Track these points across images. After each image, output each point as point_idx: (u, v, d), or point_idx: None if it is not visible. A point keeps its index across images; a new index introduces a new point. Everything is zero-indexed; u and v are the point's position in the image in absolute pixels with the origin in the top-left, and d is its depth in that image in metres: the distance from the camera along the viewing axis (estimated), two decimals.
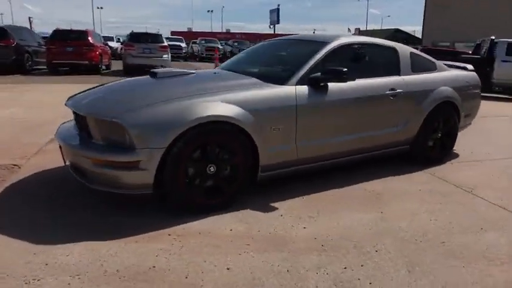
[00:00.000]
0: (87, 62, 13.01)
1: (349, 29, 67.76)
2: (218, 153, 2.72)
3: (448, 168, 3.92)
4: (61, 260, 2.13)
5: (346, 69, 2.98)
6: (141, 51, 13.16)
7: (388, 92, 3.49)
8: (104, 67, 14.35)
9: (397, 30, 72.49)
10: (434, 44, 23.37)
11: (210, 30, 70.44)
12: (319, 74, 3.08)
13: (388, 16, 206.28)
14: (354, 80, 3.18)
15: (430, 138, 3.91)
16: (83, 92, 3.39)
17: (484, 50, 10.54)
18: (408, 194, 3.20)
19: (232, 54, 28.41)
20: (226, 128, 2.69)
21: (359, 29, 64.88)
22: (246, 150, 2.79)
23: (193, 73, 3.31)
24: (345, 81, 3.01)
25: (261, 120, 2.80)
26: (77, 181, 2.77)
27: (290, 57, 3.51)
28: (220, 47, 27.72)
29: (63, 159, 2.94)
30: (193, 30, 68.70)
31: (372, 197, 3.11)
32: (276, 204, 2.92)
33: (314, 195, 3.13)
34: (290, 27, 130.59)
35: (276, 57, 3.63)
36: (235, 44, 29.07)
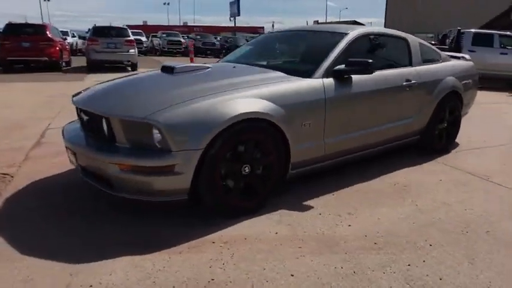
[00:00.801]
0: (46, 58, 12.11)
1: (307, 22, 68.60)
2: (253, 152, 2.56)
3: (454, 157, 4.00)
4: (106, 280, 1.90)
5: (371, 61, 2.91)
6: (105, 46, 12.46)
7: (404, 84, 3.48)
8: (64, 64, 13.47)
9: (355, 22, 74.59)
10: None
11: (167, 24, 68.58)
12: (343, 66, 2.99)
13: (346, 8, 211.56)
14: (374, 71, 3.13)
15: (438, 128, 3.96)
16: (88, 89, 3.10)
17: (450, 40, 10.99)
18: (432, 185, 3.21)
19: (196, 48, 27.93)
20: (262, 125, 2.54)
21: (317, 21, 65.90)
22: (279, 147, 2.66)
23: (210, 67, 3.10)
24: (370, 73, 2.95)
25: (293, 115, 2.68)
26: (90, 189, 2.52)
27: (308, 49, 3.39)
28: (182, 40, 27.03)
29: (77, 164, 2.64)
30: (149, 23, 66.60)
31: (400, 190, 3.09)
32: (309, 203, 2.82)
33: (342, 191, 3.05)
34: (249, 19, 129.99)
35: (292, 50, 3.50)
36: (198, 37, 28.44)
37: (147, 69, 14.83)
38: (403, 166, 3.66)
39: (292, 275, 1.97)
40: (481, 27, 14.29)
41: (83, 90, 3.10)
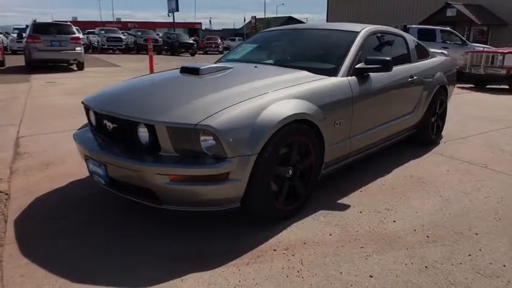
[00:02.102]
0: None
1: (244, 18, 68.83)
2: (295, 155, 2.51)
3: (446, 148, 4.26)
4: None
5: (390, 59, 2.99)
6: (49, 44, 11.46)
7: (409, 79, 3.62)
8: None
9: (290, 18, 76.35)
10: None
11: (99, 20, 64.90)
12: (363, 64, 3.04)
13: (283, 4, 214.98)
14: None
15: (430, 121, 4.19)
16: (101, 91, 2.84)
17: None
18: (443, 176, 3.40)
19: (136, 44, 26.70)
20: (304, 126, 2.49)
21: (255, 17, 66.43)
22: (317, 148, 2.64)
23: (231, 68, 2.98)
24: (390, 70, 3.03)
25: (328, 115, 2.67)
26: (111, 202, 2.30)
27: (323, 48, 3.38)
28: (123, 37, 25.78)
29: (107, 176, 2.39)
30: (79, 20, 62.57)
31: (418, 182, 3.23)
32: (342, 201, 2.85)
33: (367, 187, 3.12)
34: (185, 15, 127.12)
35: (304, 49, 3.46)
36: (139, 33, 27.27)
37: (96, 68, 14.00)
38: (406, 159, 3.82)
39: (371, 276, 1.97)
40: (420, 24, 15.40)
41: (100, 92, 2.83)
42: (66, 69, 12.79)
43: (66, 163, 3.65)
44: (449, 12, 15.95)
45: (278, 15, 79.02)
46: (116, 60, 18.22)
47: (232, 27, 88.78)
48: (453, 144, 4.42)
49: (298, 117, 2.41)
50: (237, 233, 2.37)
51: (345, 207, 2.75)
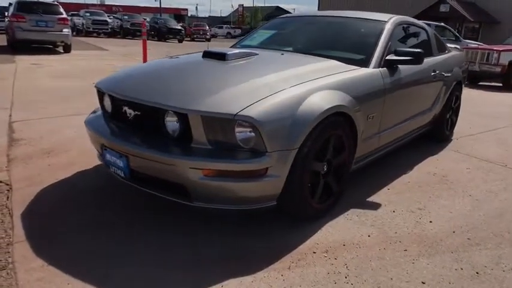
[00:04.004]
0: None
1: (232, 5, 67.94)
2: (331, 149, 2.35)
3: (460, 145, 4.18)
4: None
5: (422, 51, 2.85)
6: (34, 24, 10.87)
7: (432, 73, 3.50)
8: None
9: (278, 8, 75.77)
10: None
11: (82, 2, 62.86)
12: (393, 55, 2.89)
13: None
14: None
15: (446, 117, 4.10)
16: (118, 74, 2.62)
17: None
18: (465, 174, 3.31)
19: (122, 27, 25.85)
20: (341, 119, 2.33)
21: (242, 5, 65.61)
22: (350, 143, 2.49)
23: (257, 54, 2.78)
24: (421, 63, 2.89)
25: (362, 107, 2.52)
26: (128, 197, 2.10)
27: (350, 37, 3.20)
28: (109, 20, 24.92)
29: (129, 168, 2.17)
30: (61, 1, 60.37)
31: (443, 180, 3.13)
32: (372, 199, 2.72)
33: (392, 184, 3.00)
34: (170, 1, 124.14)
35: (328, 37, 3.26)
36: (125, 17, 26.43)
37: (83, 51, 13.43)
38: (423, 156, 3.72)
39: (423, 283, 1.84)
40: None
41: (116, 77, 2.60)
42: (52, 51, 12.22)
43: (68, 151, 3.39)
44: (443, 8, 16.01)
45: (266, 5, 78.21)
46: (102, 44, 17.59)
47: (219, 15, 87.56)
48: (465, 141, 4.35)
49: (337, 110, 2.25)
50: (270, 234, 2.21)
51: (376, 206, 2.61)
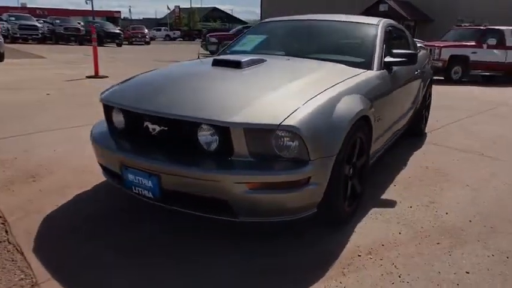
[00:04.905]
0: None
1: (168, 6, 66.38)
2: (357, 152, 2.40)
3: (435, 138, 4.48)
4: None
5: (416, 52, 3.02)
6: None
7: (415, 72, 3.71)
8: None
9: (215, 9, 75.41)
10: None
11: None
12: (390, 57, 3.02)
13: None
14: None
15: (423, 113, 4.37)
16: (128, 87, 2.44)
17: None
18: (454, 165, 3.55)
19: (54, 33, 24.07)
20: (363, 122, 2.39)
21: (179, 6, 64.44)
22: (369, 144, 2.57)
23: (265, 60, 2.74)
24: (415, 63, 3.05)
25: (375, 109, 2.60)
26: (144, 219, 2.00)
27: (346, 40, 3.28)
28: (39, 25, 23.17)
29: (160, 189, 2.03)
30: None
31: (438, 173, 3.33)
32: (386, 197, 2.83)
33: (396, 181, 3.14)
34: (102, 3, 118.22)
35: (326, 41, 3.30)
36: (57, 21, 24.74)
37: (18, 60, 12.29)
38: (408, 151, 3.92)
39: (467, 272, 1.95)
40: None
41: (115, 86, 2.42)
42: None
43: (54, 172, 3.10)
44: (382, 8, 17.07)
45: (203, 6, 77.47)
46: (36, 51, 16.30)
47: (154, 17, 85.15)
48: (438, 134, 4.67)
49: (363, 113, 2.30)
50: (306, 241, 2.20)
51: (393, 203, 2.72)
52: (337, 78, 2.46)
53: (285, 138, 1.91)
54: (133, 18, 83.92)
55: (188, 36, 47.22)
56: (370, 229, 2.35)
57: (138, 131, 2.20)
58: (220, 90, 2.23)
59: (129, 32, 32.62)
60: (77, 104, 5.73)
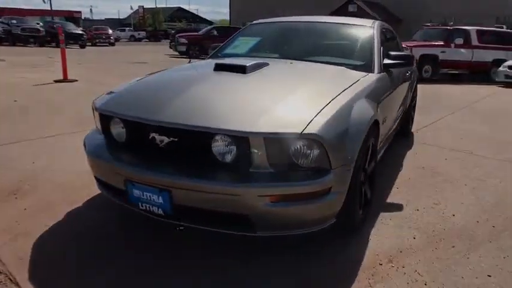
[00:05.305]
0: None
1: (131, 6, 64.75)
2: (368, 158, 2.36)
3: (422, 137, 4.55)
4: None
5: (412, 54, 3.02)
6: None
7: (407, 74, 3.74)
8: None
9: (180, 9, 74.23)
10: (243, 24, 25.17)
11: None
12: (388, 59, 3.01)
13: None
14: None
15: (411, 113, 4.42)
16: (126, 96, 2.27)
17: None
18: (447, 165, 3.59)
19: (11, 33, 22.73)
20: (374, 127, 2.34)
21: (143, 6, 62.96)
22: (377, 149, 2.53)
23: (267, 64, 2.64)
24: (412, 65, 3.06)
25: (381, 112, 2.57)
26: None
27: (343, 42, 3.22)
28: None
29: (171, 205, 1.88)
30: None
31: (435, 174, 3.36)
32: (391, 200, 2.81)
33: (397, 183, 3.13)
34: (58, 3, 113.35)
35: (322, 43, 3.25)
36: (13, 21, 23.41)
37: None
38: (400, 152, 3.95)
39: (489, 276, 1.95)
40: None
41: (111, 94, 2.24)
42: None
43: (37, 188, 2.85)
44: (351, 8, 17.39)
45: (168, 6, 76.13)
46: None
47: (117, 17, 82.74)
48: (424, 133, 4.75)
49: (375, 118, 2.26)
50: (325, 252, 2.12)
51: (399, 206, 2.70)
52: (344, 83, 2.39)
53: (305, 147, 1.82)
54: (94, 18, 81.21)
55: (154, 36, 46.13)
56: (384, 235, 2.31)
57: (143, 142, 2.04)
58: (231, 97, 2.10)
59: (92, 33, 31.41)
60: (49, 110, 5.39)
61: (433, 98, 7.61)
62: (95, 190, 2.74)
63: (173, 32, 25.90)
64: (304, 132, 1.79)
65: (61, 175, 3.06)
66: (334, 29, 3.36)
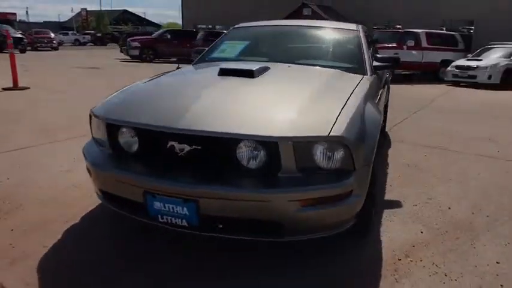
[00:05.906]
0: None
1: (72, 8, 61.69)
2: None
3: (397, 135, 4.78)
4: None
5: (399, 56, 3.17)
6: None
7: (387, 75, 3.90)
8: None
9: (125, 11, 71.86)
10: (196, 27, 24.85)
11: None
12: (376, 62, 3.13)
13: None
14: None
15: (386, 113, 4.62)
16: (130, 103, 2.16)
17: None
18: (427, 160, 3.81)
19: None
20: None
21: (86, 9, 60.24)
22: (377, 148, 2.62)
23: (269, 67, 2.63)
24: (399, 67, 3.20)
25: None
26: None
27: (332, 46, 3.28)
28: None
29: (199, 216, 1.81)
30: None
31: (421, 170, 3.54)
32: (389, 197, 2.93)
33: (389, 181, 3.26)
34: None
35: (312, 47, 3.29)
36: None
37: None
38: (382, 149, 4.12)
39: (498, 262, 2.09)
40: None
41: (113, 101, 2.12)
42: None
43: (22, 206, 2.63)
44: (305, 12, 17.81)
45: (113, 8, 73.42)
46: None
47: (57, 20, 78.35)
48: (397, 131, 5.00)
49: (381, 118, 2.33)
50: (340, 254, 2.15)
51: (398, 203, 2.81)
52: (348, 86, 2.45)
53: (331, 149, 1.84)
54: (31, 21, 76.22)
55: (100, 40, 44.21)
56: (393, 232, 2.39)
57: (159, 151, 1.95)
58: (248, 102, 2.07)
59: (31, 37, 29.48)
60: (7, 121, 4.98)
61: (394, 98, 7.99)
62: (87, 205, 2.62)
63: (124, 35, 24.98)
64: (331, 134, 1.81)
65: (45, 191, 2.85)
66: (321, 33, 3.43)
